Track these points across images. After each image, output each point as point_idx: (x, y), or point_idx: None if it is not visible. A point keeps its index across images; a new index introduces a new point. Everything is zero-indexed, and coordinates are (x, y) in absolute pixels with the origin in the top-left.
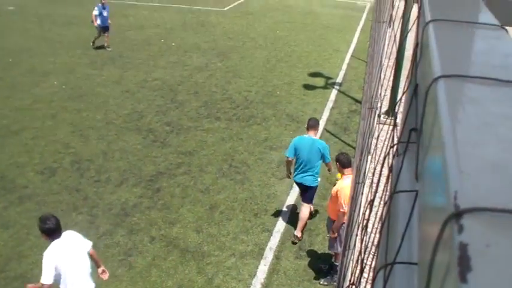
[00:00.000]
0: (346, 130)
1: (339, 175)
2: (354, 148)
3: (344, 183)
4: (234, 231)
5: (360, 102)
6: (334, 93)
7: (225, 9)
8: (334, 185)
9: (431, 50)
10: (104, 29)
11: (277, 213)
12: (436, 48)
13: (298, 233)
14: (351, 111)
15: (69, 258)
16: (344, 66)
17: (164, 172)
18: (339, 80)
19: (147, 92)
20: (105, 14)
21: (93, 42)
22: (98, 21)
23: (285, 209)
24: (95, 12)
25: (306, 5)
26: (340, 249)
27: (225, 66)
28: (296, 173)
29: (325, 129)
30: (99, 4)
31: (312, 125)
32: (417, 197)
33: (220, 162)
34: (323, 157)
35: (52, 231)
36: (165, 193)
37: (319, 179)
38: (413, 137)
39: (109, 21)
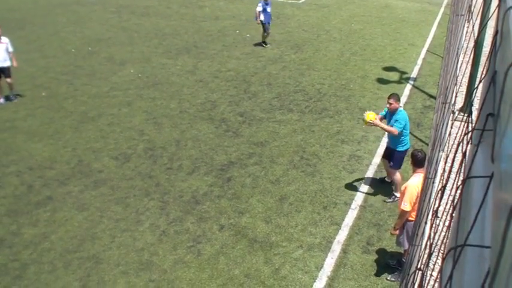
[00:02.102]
0: (419, 126)
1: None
2: (427, 144)
3: (412, 181)
4: (302, 223)
5: (434, 97)
6: (408, 88)
7: (300, 1)
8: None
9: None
10: (267, 25)
11: (347, 207)
12: None
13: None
14: (425, 106)
15: None
16: (419, 61)
17: (235, 162)
18: (413, 74)
19: (221, 82)
20: (268, 10)
21: (264, 42)
22: (262, 18)
23: (354, 202)
24: (259, 8)
25: None
26: (407, 246)
27: (298, 58)
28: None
29: None
30: (263, 0)
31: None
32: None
33: (291, 154)
34: None
35: None
36: (236, 183)
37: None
38: (489, 124)
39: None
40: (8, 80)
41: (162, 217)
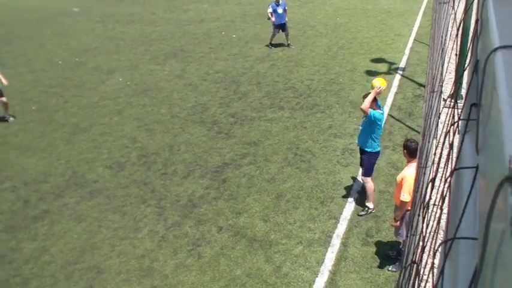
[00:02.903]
0: (410, 115)
1: None
2: (419, 133)
3: (409, 172)
4: (300, 219)
5: (424, 86)
6: (397, 78)
7: None
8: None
9: (490, 23)
10: (280, 27)
11: (344, 201)
12: (495, 20)
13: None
14: (415, 96)
15: None
16: (407, 51)
17: (230, 163)
18: (402, 64)
19: (210, 84)
20: (279, 11)
21: (270, 43)
22: (273, 19)
23: (351, 196)
24: (269, 9)
25: None
26: (405, 236)
27: (286, 55)
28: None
29: (389, 114)
30: (274, 2)
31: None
32: (477, 172)
33: (285, 151)
34: None
35: None
36: (231, 183)
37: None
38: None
39: (286, 19)
40: (3, 99)
41: (160, 223)
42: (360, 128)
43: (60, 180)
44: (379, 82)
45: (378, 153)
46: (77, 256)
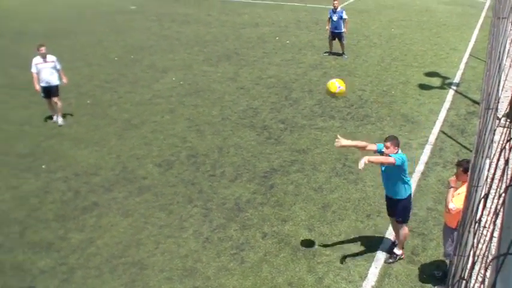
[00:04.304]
0: (463, 132)
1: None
2: (471, 151)
3: (464, 189)
4: (346, 231)
5: (478, 103)
6: (451, 93)
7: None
8: (449, 189)
9: None
10: (334, 35)
11: None
12: None
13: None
14: (469, 112)
15: None
16: (462, 66)
17: (278, 169)
18: (456, 80)
19: (262, 89)
20: (334, 18)
21: (330, 52)
22: (327, 26)
23: None
24: (328, 16)
25: (422, 3)
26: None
27: (339, 64)
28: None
29: (441, 131)
30: (331, 9)
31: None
32: None
33: (333, 161)
34: None
35: None
36: (278, 190)
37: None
38: None
39: (344, 30)
40: (55, 99)
41: (206, 224)
42: (382, 176)
43: (110, 174)
44: (337, 83)
45: (411, 195)
46: (122, 250)
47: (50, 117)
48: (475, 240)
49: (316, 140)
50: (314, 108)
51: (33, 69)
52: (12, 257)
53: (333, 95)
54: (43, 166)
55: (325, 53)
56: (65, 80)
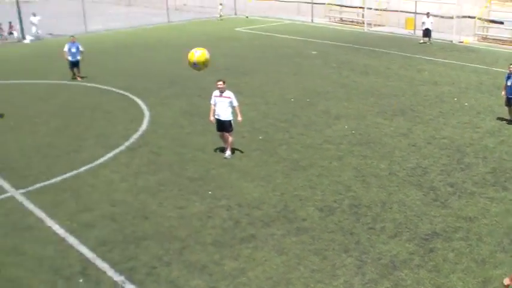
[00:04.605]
0: None
1: None
2: None
3: None
4: None
5: None
6: None
7: None
8: None
9: None
10: (510, 100)
11: None
12: None
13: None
14: None
15: None
16: None
17: (440, 233)
18: None
19: (434, 149)
20: (509, 83)
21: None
22: (503, 92)
23: None
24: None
25: None
26: None
27: None
28: None
29: None
30: (507, 73)
31: None
32: None
33: (501, 235)
34: None
35: None
36: (438, 255)
37: None
38: None
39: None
40: (226, 134)
41: (358, 276)
42: None
43: (271, 211)
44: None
45: None
46: (271, 286)
47: (222, 150)
48: None
49: (485, 210)
50: (487, 176)
51: (212, 101)
52: (168, 271)
53: (195, 64)
54: (209, 192)
55: (503, 120)
56: (240, 118)
